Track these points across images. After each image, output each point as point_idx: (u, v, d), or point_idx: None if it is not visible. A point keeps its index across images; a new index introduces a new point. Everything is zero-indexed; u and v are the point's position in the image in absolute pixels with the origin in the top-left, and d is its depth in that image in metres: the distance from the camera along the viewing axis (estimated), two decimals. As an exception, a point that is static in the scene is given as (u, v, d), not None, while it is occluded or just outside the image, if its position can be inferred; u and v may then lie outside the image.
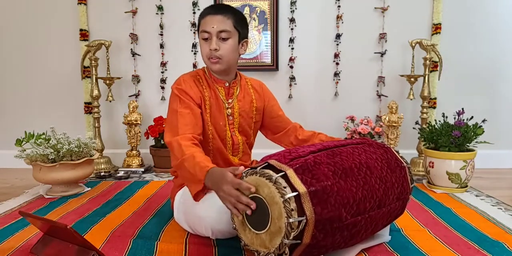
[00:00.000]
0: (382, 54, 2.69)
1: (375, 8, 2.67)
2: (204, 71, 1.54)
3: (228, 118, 1.53)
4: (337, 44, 2.71)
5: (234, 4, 2.65)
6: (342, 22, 2.68)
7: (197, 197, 1.29)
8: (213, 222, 1.32)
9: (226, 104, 1.52)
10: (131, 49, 2.74)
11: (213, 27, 1.41)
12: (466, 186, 2.10)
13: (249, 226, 1.14)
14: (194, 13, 2.69)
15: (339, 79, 2.74)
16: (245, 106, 1.56)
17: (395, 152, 1.32)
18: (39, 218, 1.32)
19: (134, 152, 2.67)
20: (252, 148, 1.68)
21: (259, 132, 1.71)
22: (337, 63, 2.72)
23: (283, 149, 1.29)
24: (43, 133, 2.03)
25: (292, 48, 2.72)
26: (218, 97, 1.51)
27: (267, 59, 2.71)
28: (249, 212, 1.09)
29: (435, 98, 2.68)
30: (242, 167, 1.15)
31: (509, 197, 2.01)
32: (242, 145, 1.57)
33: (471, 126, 2.08)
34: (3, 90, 2.81)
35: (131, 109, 2.61)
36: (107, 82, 2.62)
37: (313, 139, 1.60)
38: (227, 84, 1.53)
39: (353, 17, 2.68)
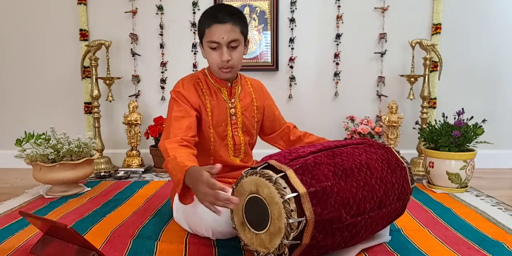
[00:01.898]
0: (382, 54, 2.69)
1: (375, 8, 2.67)
2: (204, 74, 1.53)
3: (231, 118, 1.52)
4: (337, 44, 2.71)
5: (234, 4, 2.64)
6: (342, 22, 2.68)
7: (183, 200, 1.23)
8: (213, 223, 1.32)
9: (230, 104, 1.52)
10: (131, 49, 2.74)
11: (223, 38, 1.37)
12: (466, 186, 2.10)
13: (249, 226, 1.14)
14: (194, 13, 2.69)
15: (339, 79, 2.74)
16: (247, 105, 1.56)
17: (395, 153, 1.32)
18: (39, 218, 1.33)
19: (134, 152, 2.67)
20: (253, 148, 1.68)
21: None
22: (337, 63, 2.72)
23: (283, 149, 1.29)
24: (43, 133, 2.03)
25: (292, 48, 2.72)
26: (221, 98, 1.51)
27: (267, 59, 2.71)
28: (232, 206, 1.03)
29: (435, 98, 2.68)
30: (219, 165, 1.07)
31: (509, 197, 2.01)
32: (244, 145, 1.56)
33: (471, 126, 2.07)
34: (3, 90, 2.81)
35: (131, 109, 2.61)
36: (107, 82, 2.62)
37: (304, 139, 1.62)
38: (229, 84, 1.53)
39: (353, 17, 2.68)
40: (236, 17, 1.41)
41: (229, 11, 1.41)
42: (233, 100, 1.53)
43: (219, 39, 1.37)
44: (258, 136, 1.69)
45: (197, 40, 2.62)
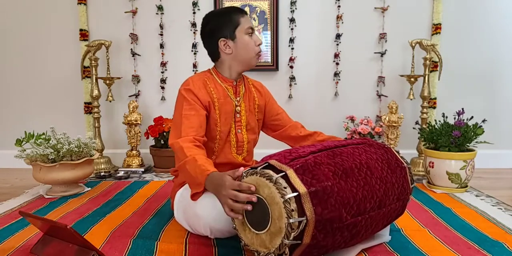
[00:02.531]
0: (382, 54, 2.69)
1: (375, 8, 2.67)
2: (211, 73, 1.57)
3: (236, 116, 1.55)
4: (337, 44, 2.71)
5: (234, 4, 2.66)
6: (342, 22, 2.68)
7: (194, 197, 1.32)
8: (211, 221, 1.32)
9: (236, 102, 1.54)
10: (131, 49, 2.74)
11: (253, 25, 1.54)
12: (466, 186, 2.10)
13: (249, 226, 1.14)
14: (194, 13, 2.69)
15: (339, 79, 2.74)
16: (250, 104, 1.60)
17: (395, 152, 1.32)
18: (39, 218, 1.33)
19: (134, 152, 2.67)
20: (255, 146, 1.69)
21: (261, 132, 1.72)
22: (337, 63, 2.72)
23: (283, 149, 1.29)
24: (43, 133, 2.03)
25: (292, 48, 2.72)
26: (227, 96, 1.54)
27: (267, 59, 2.71)
28: (249, 207, 1.09)
29: (435, 98, 2.68)
30: (242, 168, 1.17)
31: (509, 197, 2.01)
32: (247, 144, 1.59)
33: (471, 126, 2.07)
34: (3, 90, 2.81)
35: (131, 109, 2.61)
36: (107, 82, 2.62)
37: (314, 136, 1.63)
38: (235, 83, 1.56)
39: (353, 17, 2.68)
40: None
41: None
42: (238, 98, 1.56)
43: (252, 25, 1.52)
44: (260, 135, 1.70)
45: (197, 40, 2.66)
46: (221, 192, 1.14)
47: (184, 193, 1.46)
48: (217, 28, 1.49)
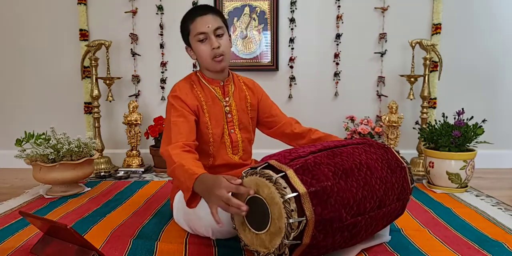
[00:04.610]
0: (382, 54, 2.69)
1: (375, 8, 2.67)
2: (196, 76, 1.55)
3: (227, 116, 1.54)
4: (337, 44, 2.71)
5: (234, 4, 2.66)
6: (342, 22, 2.68)
7: (189, 204, 1.26)
8: (213, 222, 1.31)
9: (224, 102, 1.53)
10: (131, 49, 2.74)
11: (208, 26, 1.42)
12: (466, 186, 2.10)
13: (249, 226, 1.14)
14: (194, 13, 2.69)
15: (339, 79, 2.74)
16: (241, 102, 1.58)
17: (395, 152, 1.32)
18: (39, 218, 1.33)
19: (134, 152, 2.67)
20: (252, 147, 1.68)
21: (257, 130, 1.71)
22: (337, 63, 2.72)
23: (283, 149, 1.29)
24: (43, 133, 2.03)
25: (292, 48, 2.72)
26: (215, 97, 1.52)
27: (267, 59, 2.71)
28: (243, 214, 1.07)
29: (435, 98, 2.68)
30: (239, 181, 1.13)
31: (509, 197, 2.01)
32: (242, 143, 1.57)
33: (471, 126, 2.08)
34: (3, 90, 2.81)
35: (131, 109, 2.61)
36: (107, 82, 2.62)
37: (310, 134, 1.61)
38: (222, 83, 1.55)
39: (353, 17, 2.68)
40: (214, 9, 1.51)
41: (206, 5, 1.56)
42: (227, 99, 1.55)
43: (205, 28, 1.42)
44: (258, 136, 1.70)
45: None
46: (214, 192, 1.09)
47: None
48: (181, 35, 1.52)
